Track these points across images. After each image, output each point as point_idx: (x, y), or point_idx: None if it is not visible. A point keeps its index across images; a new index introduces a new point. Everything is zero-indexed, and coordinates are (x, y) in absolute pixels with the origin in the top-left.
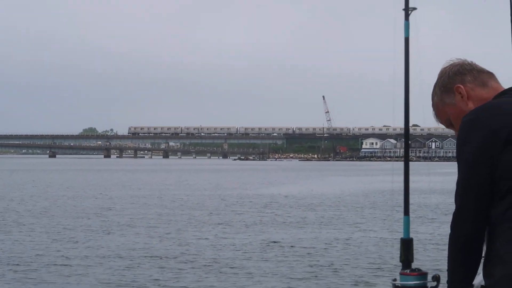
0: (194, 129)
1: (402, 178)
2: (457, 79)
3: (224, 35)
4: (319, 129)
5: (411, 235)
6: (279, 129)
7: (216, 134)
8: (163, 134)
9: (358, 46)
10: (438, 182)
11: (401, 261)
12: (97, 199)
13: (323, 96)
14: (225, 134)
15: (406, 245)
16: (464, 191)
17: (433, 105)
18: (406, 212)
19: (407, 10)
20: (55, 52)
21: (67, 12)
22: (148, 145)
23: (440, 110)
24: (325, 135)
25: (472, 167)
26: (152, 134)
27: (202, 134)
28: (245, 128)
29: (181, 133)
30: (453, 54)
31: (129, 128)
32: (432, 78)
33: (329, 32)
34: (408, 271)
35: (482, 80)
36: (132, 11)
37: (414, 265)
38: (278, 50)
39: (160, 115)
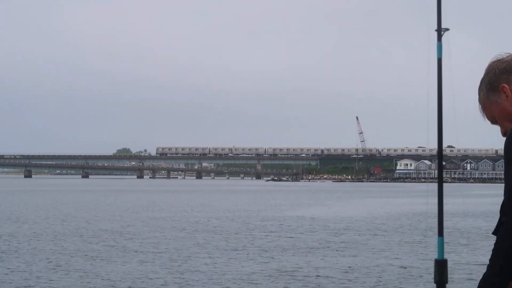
0: (222, 149)
1: (436, 200)
2: (503, 78)
3: (253, 58)
4: (347, 150)
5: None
6: (307, 150)
7: (244, 155)
8: (193, 155)
9: (391, 67)
10: (471, 205)
11: (435, 282)
12: (112, 222)
13: (357, 117)
14: (253, 155)
15: (441, 266)
16: None
17: (479, 100)
18: (440, 233)
19: (440, 31)
20: (88, 78)
21: (95, 39)
22: (182, 166)
23: (486, 108)
24: (359, 156)
25: None
26: (180, 155)
27: (229, 155)
28: (273, 149)
29: (209, 153)
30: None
31: (157, 149)
32: (464, 99)
33: (360, 54)
34: None
35: None
36: (161, 36)
37: (449, 286)
38: (309, 73)
39: (191, 137)
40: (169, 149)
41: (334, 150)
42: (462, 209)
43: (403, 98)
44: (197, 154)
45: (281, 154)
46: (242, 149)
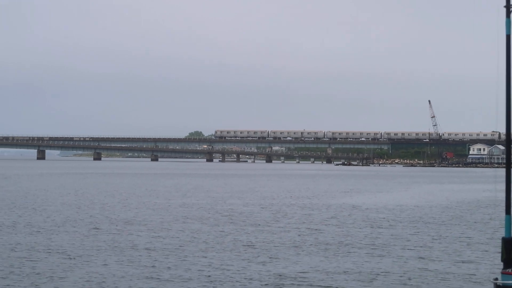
0: (281, 133)
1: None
2: None
3: (323, 40)
4: (407, 134)
5: None
6: (367, 134)
7: (303, 138)
8: (251, 138)
9: (461, 47)
10: None
11: (502, 260)
12: (130, 210)
13: (429, 101)
14: (312, 139)
15: (508, 245)
16: None
17: None
18: (508, 211)
19: (509, 7)
20: (167, 65)
21: (166, 26)
22: (254, 149)
23: None
24: (431, 140)
25: None
26: (239, 138)
27: (288, 138)
28: (333, 133)
29: (268, 137)
30: None
31: (215, 132)
32: None
33: (429, 34)
34: (510, 270)
35: None
36: (230, 22)
37: None
38: (378, 55)
39: (261, 120)
40: (227, 132)
41: (394, 134)
42: None
43: (476, 81)
44: (256, 137)
45: (340, 138)
46: (301, 133)
